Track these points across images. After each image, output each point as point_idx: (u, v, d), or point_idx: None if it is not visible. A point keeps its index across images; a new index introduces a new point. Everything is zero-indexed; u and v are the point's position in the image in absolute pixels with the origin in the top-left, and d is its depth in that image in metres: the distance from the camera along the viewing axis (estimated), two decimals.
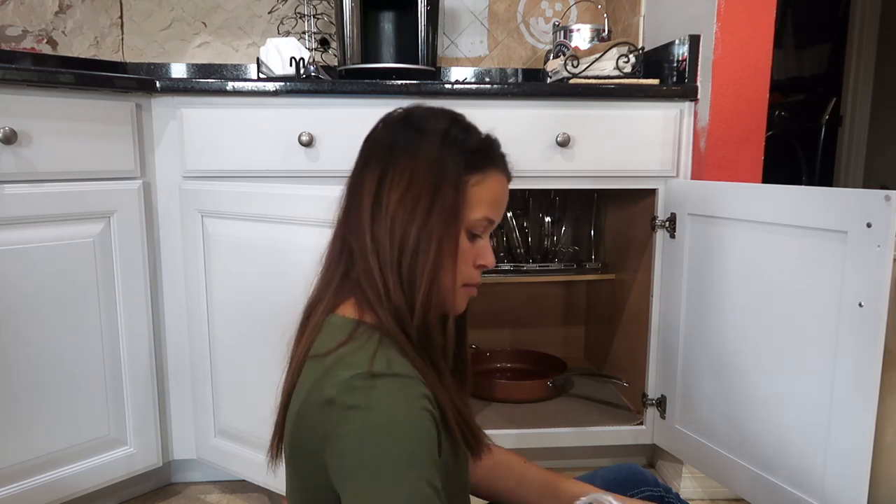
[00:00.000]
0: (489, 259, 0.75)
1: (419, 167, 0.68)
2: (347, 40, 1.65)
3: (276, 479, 1.34)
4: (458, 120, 0.74)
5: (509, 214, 1.81)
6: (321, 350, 0.68)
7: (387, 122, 0.75)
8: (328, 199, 1.18)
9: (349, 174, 0.75)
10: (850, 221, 0.98)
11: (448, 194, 0.68)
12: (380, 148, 0.72)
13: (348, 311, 0.72)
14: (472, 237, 0.72)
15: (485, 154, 0.74)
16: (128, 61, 1.90)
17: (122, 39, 1.90)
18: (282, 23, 1.90)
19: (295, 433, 0.68)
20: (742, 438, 1.23)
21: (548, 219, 1.88)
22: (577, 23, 1.79)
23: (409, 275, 0.67)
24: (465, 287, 0.74)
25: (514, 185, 1.24)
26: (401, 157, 0.69)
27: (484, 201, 0.72)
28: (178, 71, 1.92)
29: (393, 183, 0.68)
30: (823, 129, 2.94)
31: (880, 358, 0.95)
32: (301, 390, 0.68)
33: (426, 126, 0.71)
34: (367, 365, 0.62)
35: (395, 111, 0.76)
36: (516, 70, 2.02)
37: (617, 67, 1.49)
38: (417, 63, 1.65)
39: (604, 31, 1.66)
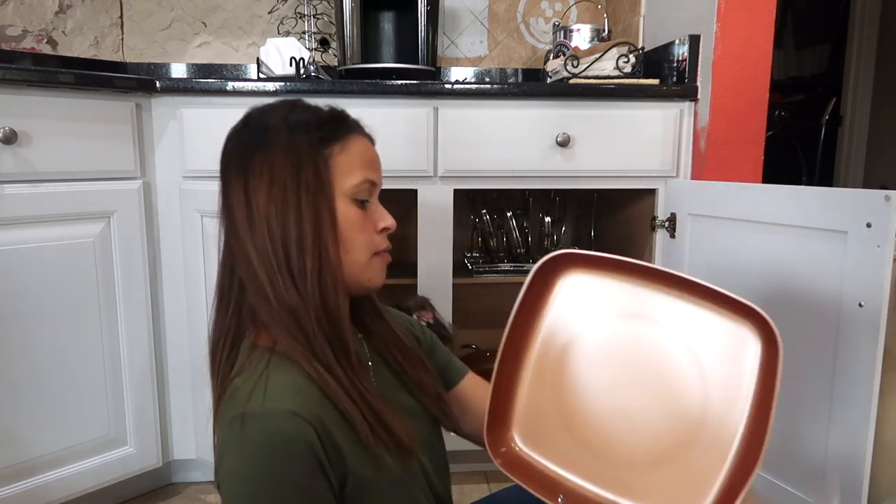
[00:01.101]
0: (389, 220, 0.75)
1: (275, 158, 0.68)
2: (347, 40, 1.65)
3: None
4: (296, 104, 0.74)
5: (509, 214, 1.81)
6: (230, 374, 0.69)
7: (230, 135, 0.74)
8: None
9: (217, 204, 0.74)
10: (850, 221, 0.98)
11: (309, 174, 0.68)
12: (233, 159, 0.71)
13: (251, 335, 0.72)
14: (362, 203, 0.72)
15: (336, 124, 0.73)
16: (128, 61, 1.90)
17: (122, 39, 1.90)
18: (282, 23, 1.90)
19: None
20: None
21: (548, 219, 1.87)
22: (577, 23, 1.79)
23: (300, 266, 0.66)
24: (376, 256, 0.74)
25: (514, 185, 1.25)
26: (255, 157, 0.69)
27: (356, 165, 0.72)
28: (178, 71, 1.92)
29: (256, 183, 0.68)
30: (823, 129, 2.94)
31: (880, 358, 0.95)
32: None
33: (268, 120, 0.72)
34: (243, 404, 0.61)
35: (232, 126, 0.75)
36: (516, 70, 2.02)
37: (617, 67, 1.49)
38: (417, 63, 1.65)
39: (604, 31, 1.66)
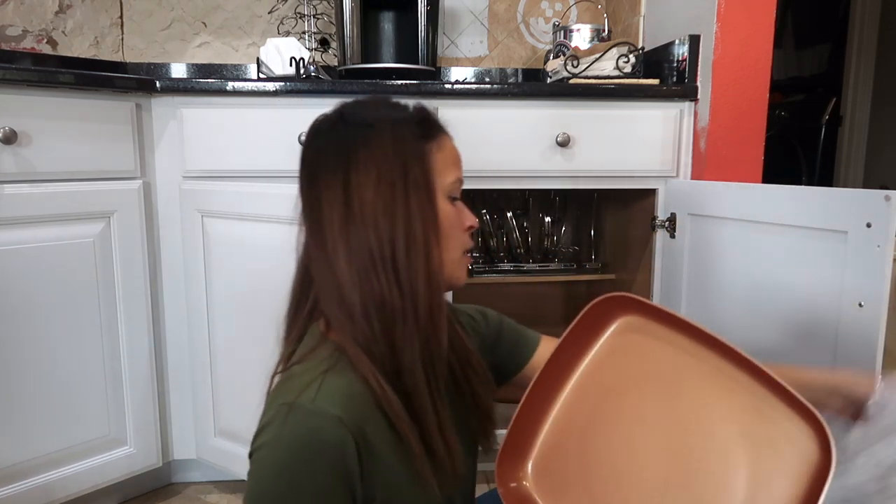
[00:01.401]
0: (473, 218, 0.74)
1: (381, 155, 0.66)
2: (347, 40, 1.65)
3: None
4: (390, 101, 0.73)
5: (509, 214, 1.81)
6: (293, 357, 0.68)
7: (320, 133, 0.72)
8: None
9: (298, 207, 0.73)
10: (850, 221, 0.98)
11: (417, 171, 0.67)
12: (329, 155, 0.69)
13: (322, 324, 0.70)
14: (453, 201, 0.72)
15: (430, 122, 0.72)
16: (128, 61, 1.90)
17: (122, 39, 1.89)
18: (282, 23, 1.90)
19: None
20: None
21: (548, 219, 1.87)
22: (577, 23, 1.79)
23: (407, 264, 0.64)
24: (465, 254, 0.73)
25: (514, 186, 1.24)
26: (359, 155, 0.66)
27: (449, 163, 0.71)
28: (178, 71, 1.92)
29: (362, 180, 0.65)
30: (823, 129, 2.94)
31: (880, 358, 0.95)
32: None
33: (368, 116, 0.70)
34: (295, 394, 0.61)
35: (318, 122, 0.73)
36: (516, 70, 2.02)
37: (617, 67, 1.49)
38: (417, 63, 1.65)
39: (604, 31, 1.66)
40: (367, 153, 0.66)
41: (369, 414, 0.62)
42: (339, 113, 0.72)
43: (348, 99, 0.75)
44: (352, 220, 0.65)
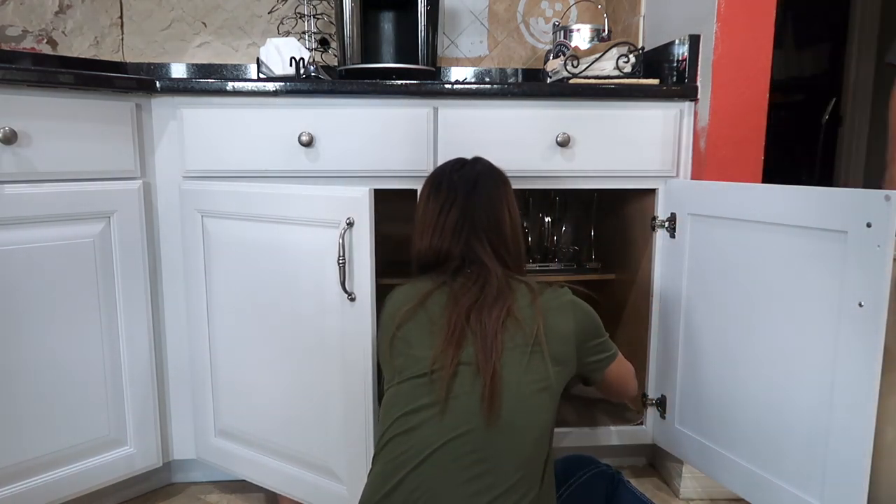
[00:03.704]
0: None
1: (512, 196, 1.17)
2: (347, 40, 1.65)
3: (276, 479, 1.34)
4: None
5: None
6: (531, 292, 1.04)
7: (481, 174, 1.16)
8: (328, 199, 1.19)
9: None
10: (850, 221, 0.98)
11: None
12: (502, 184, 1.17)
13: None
14: None
15: None
16: (128, 61, 1.90)
17: (122, 39, 1.90)
18: (282, 23, 1.90)
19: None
20: (742, 438, 1.23)
21: (548, 219, 1.87)
22: (577, 23, 1.79)
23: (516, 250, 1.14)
24: None
25: (513, 185, 1.25)
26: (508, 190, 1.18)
27: None
28: (178, 71, 1.92)
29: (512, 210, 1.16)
30: (823, 129, 2.94)
31: (880, 358, 0.95)
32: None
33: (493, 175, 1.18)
34: (559, 289, 1.07)
35: (477, 167, 1.17)
36: (516, 70, 2.02)
37: (617, 67, 1.49)
38: (417, 63, 1.65)
39: (604, 31, 1.66)
40: (507, 193, 1.18)
41: None
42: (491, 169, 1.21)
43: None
44: (511, 228, 1.17)
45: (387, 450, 0.93)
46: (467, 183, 1.11)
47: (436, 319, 0.99)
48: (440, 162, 1.40)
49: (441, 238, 1.08)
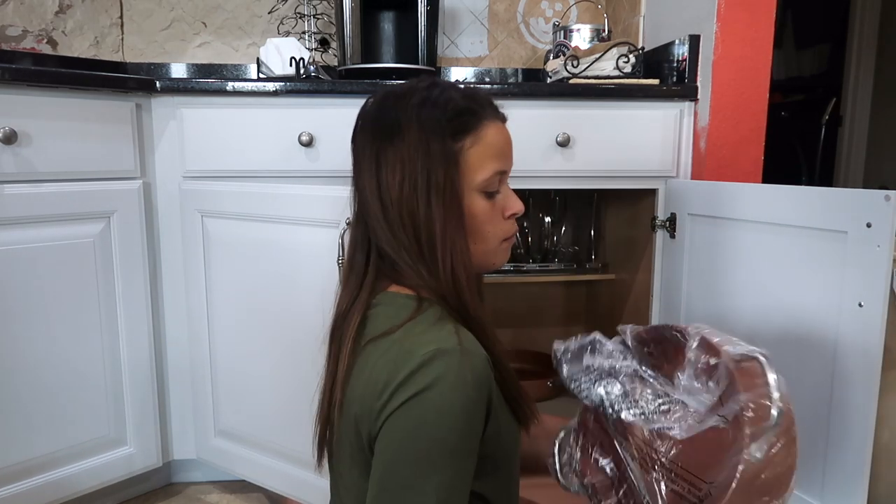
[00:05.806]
0: (517, 205, 0.76)
1: (406, 155, 0.69)
2: (347, 40, 1.65)
3: (276, 479, 1.34)
4: (431, 90, 0.72)
5: None
6: (381, 329, 0.68)
7: (364, 120, 0.75)
8: (328, 199, 1.19)
9: (351, 177, 0.76)
10: (850, 221, 0.98)
11: (439, 174, 0.68)
12: (366, 146, 0.72)
13: (401, 290, 0.73)
14: (490, 195, 0.73)
15: (470, 112, 0.72)
16: (128, 61, 1.90)
17: (122, 39, 1.90)
18: (282, 23, 1.90)
19: (354, 420, 0.67)
20: None
21: (548, 219, 1.87)
22: (577, 23, 1.79)
23: (431, 257, 0.69)
24: (504, 241, 0.76)
25: (513, 186, 1.24)
26: (387, 151, 0.70)
27: (487, 157, 0.73)
28: (178, 71, 1.92)
29: (388, 178, 0.69)
30: (823, 129, 2.94)
31: (880, 358, 0.95)
32: (363, 372, 0.68)
33: (400, 113, 0.70)
34: (437, 343, 0.63)
35: (367, 103, 0.75)
36: (516, 70, 2.02)
37: (617, 67, 1.49)
38: (417, 63, 1.65)
39: (604, 31, 1.66)
40: (393, 152, 0.69)
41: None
42: (380, 102, 0.74)
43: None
44: (386, 209, 0.70)
45: None
46: None
47: None
48: None
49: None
